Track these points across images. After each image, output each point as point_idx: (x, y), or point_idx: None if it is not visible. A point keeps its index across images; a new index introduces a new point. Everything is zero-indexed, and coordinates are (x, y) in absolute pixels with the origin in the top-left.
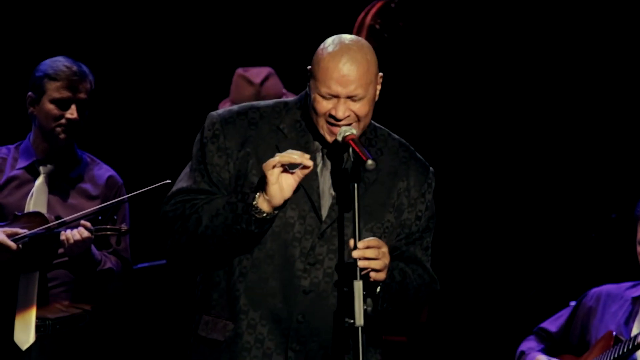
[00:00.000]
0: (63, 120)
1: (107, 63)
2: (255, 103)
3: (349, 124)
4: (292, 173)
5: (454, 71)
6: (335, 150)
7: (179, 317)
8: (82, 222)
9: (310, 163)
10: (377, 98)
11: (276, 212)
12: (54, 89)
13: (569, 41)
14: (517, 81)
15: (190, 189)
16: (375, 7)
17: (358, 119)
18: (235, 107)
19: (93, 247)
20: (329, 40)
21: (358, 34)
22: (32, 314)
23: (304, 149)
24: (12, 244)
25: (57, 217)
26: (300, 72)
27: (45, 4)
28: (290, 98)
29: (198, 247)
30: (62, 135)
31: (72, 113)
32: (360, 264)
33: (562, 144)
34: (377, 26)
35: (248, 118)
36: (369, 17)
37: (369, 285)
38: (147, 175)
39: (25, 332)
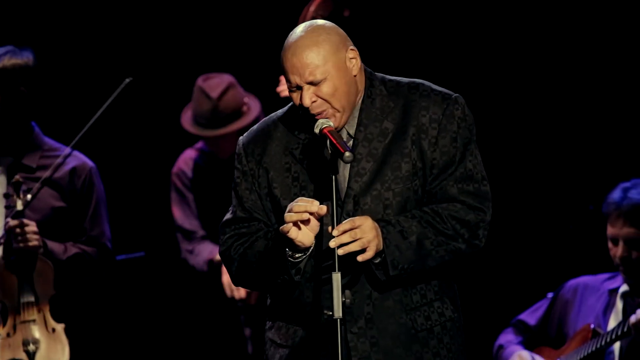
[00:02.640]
0: None
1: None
2: (273, 115)
3: (323, 110)
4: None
5: (407, 58)
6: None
7: (160, 310)
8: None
9: (318, 209)
10: (354, 72)
11: (311, 248)
12: None
13: (546, 28)
14: (490, 71)
15: (230, 220)
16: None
17: (329, 102)
18: (256, 125)
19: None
20: (288, 37)
21: None
22: None
23: (320, 149)
24: None
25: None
26: (250, 68)
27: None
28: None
29: (257, 285)
30: None
31: None
32: (340, 252)
33: (540, 135)
34: (320, 18)
35: (264, 132)
36: (312, 8)
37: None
38: (146, 167)
39: None
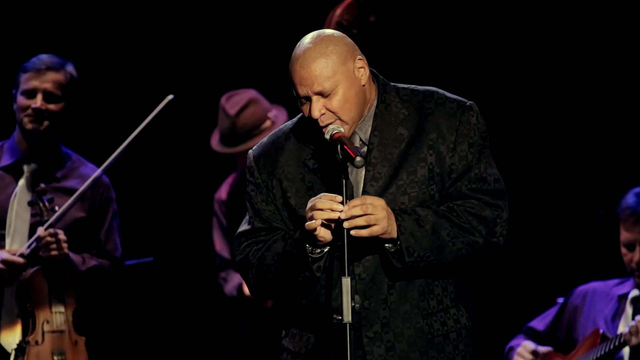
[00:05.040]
0: (29, 110)
1: (101, 64)
2: (283, 126)
3: (331, 122)
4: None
5: (431, 63)
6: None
7: (169, 314)
8: (57, 230)
9: (339, 207)
10: (362, 81)
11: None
12: (24, 81)
13: (559, 35)
14: (500, 77)
15: (248, 230)
16: (344, 3)
17: (337, 114)
18: (266, 137)
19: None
20: (296, 47)
21: None
22: (17, 318)
23: (332, 157)
24: (20, 259)
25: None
26: (272, 74)
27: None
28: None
29: (275, 289)
30: (28, 126)
31: (36, 102)
32: (346, 224)
33: (549, 140)
34: (345, 22)
35: (275, 145)
36: (337, 14)
37: (380, 241)
38: (137, 176)
39: (11, 335)
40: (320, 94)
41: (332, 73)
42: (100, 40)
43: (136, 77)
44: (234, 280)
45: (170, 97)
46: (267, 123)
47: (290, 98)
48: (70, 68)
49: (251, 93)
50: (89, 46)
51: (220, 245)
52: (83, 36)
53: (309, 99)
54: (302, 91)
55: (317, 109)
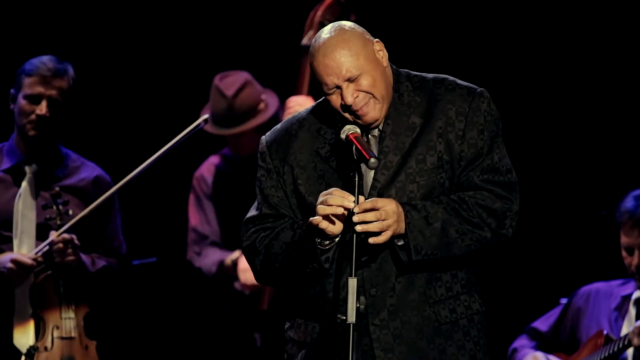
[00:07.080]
0: (33, 116)
1: (97, 63)
2: (297, 114)
3: (365, 104)
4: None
5: (412, 62)
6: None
7: (172, 314)
8: (64, 236)
9: (350, 205)
10: (384, 63)
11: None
12: (27, 85)
13: (562, 35)
14: (502, 79)
15: (256, 216)
16: (324, 4)
17: (370, 93)
18: (279, 124)
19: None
20: (313, 42)
21: (308, 31)
22: (29, 319)
23: (345, 149)
24: (29, 261)
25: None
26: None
27: (35, 5)
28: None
29: (282, 278)
30: (31, 132)
31: (41, 109)
32: (358, 228)
33: (552, 141)
34: (327, 22)
35: (289, 132)
36: (318, 14)
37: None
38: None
39: (24, 336)
40: (349, 79)
41: (356, 57)
42: (101, 40)
43: (134, 75)
44: (213, 257)
45: (205, 116)
46: (262, 105)
47: (278, 85)
48: (71, 71)
49: (245, 75)
50: (87, 45)
51: (196, 220)
52: (83, 35)
53: (338, 88)
54: (330, 81)
55: (350, 94)
